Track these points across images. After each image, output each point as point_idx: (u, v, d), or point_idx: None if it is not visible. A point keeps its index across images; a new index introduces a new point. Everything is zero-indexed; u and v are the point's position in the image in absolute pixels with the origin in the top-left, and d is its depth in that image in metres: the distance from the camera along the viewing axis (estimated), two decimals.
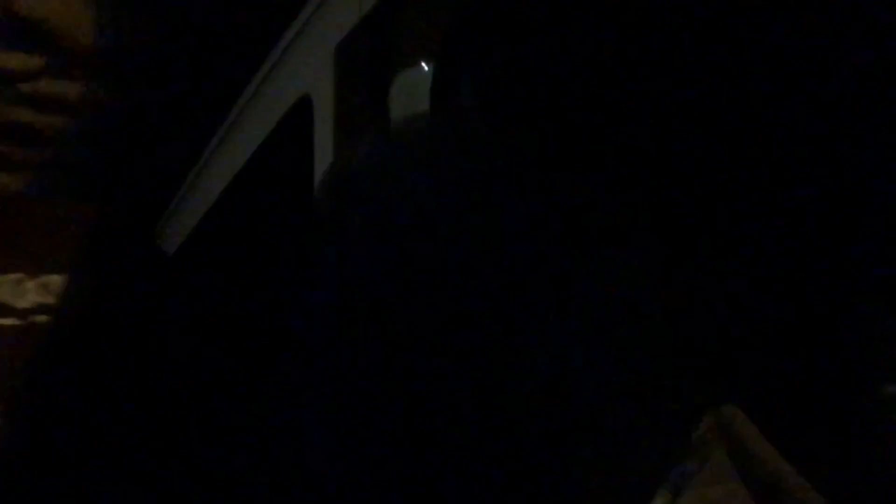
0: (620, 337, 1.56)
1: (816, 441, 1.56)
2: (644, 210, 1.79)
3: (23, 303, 2.34)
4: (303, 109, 1.42)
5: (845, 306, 1.68)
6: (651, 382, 1.51)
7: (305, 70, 1.44)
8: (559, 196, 1.75)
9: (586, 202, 1.79)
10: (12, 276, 2.33)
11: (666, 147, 1.79)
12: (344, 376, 1.15)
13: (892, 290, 1.63)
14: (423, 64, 1.21)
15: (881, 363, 1.61)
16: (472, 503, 1.04)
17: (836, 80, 1.64)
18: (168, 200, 2.26)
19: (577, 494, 1.11)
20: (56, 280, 2.31)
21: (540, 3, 1.50)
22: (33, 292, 2.35)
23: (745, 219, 1.78)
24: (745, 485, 1.40)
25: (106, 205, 2.43)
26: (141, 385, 2.15)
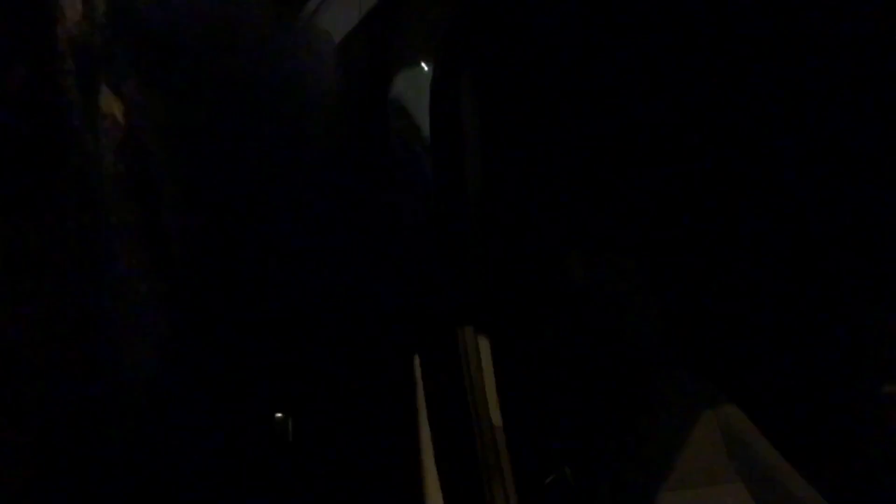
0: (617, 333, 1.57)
1: (816, 441, 1.56)
2: (643, 210, 1.79)
3: None
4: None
5: (845, 306, 1.68)
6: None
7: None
8: (556, 195, 1.76)
9: (583, 202, 1.79)
10: None
11: (664, 148, 1.79)
12: None
13: (892, 289, 1.63)
14: (423, 64, 1.21)
15: (881, 363, 1.61)
16: None
17: (835, 81, 1.64)
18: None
19: None
20: None
21: (539, 4, 1.50)
22: None
23: (745, 220, 1.78)
24: (745, 485, 1.40)
25: None
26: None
